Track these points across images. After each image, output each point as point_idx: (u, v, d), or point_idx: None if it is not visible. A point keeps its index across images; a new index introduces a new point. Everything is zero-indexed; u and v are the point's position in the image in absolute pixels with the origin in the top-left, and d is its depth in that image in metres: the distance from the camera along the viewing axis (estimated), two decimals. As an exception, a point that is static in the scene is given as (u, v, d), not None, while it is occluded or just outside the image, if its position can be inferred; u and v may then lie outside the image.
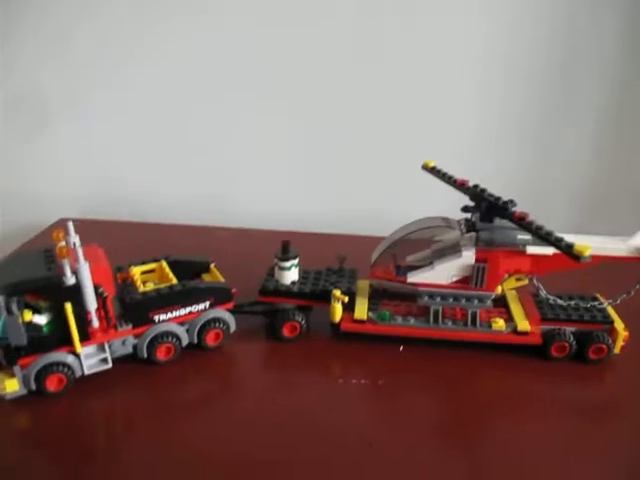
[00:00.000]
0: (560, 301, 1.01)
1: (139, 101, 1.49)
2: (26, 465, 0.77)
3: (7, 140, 1.54)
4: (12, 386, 0.85)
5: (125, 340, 0.92)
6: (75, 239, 0.87)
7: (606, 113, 1.41)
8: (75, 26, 1.41)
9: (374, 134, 1.46)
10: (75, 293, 0.84)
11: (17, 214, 1.60)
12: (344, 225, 1.48)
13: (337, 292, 0.98)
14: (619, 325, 0.98)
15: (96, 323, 0.87)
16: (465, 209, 0.98)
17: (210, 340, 0.98)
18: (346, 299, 0.98)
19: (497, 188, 0.96)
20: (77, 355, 0.88)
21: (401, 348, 1.00)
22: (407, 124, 1.44)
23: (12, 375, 0.85)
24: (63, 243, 0.85)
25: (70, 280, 0.83)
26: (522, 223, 0.88)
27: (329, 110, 1.45)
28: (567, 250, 0.81)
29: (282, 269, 1.02)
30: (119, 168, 1.56)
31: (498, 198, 0.93)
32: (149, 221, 1.55)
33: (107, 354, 0.90)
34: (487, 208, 0.94)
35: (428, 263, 0.98)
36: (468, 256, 0.95)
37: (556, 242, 0.83)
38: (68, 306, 0.84)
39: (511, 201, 0.91)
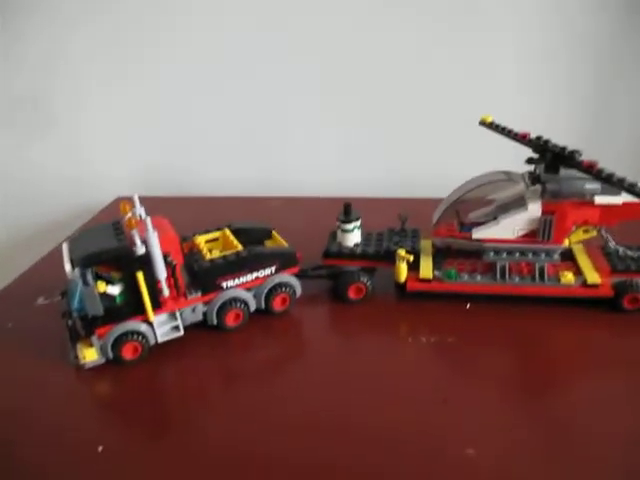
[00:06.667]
0: (630, 252, 0.99)
1: (195, 90, 1.51)
2: (106, 429, 0.80)
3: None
4: (91, 355, 0.88)
5: (195, 307, 0.93)
6: (141, 210, 0.89)
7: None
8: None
9: (428, 95, 1.44)
10: (145, 262, 0.85)
11: (76, 195, 1.64)
12: (403, 189, 1.48)
13: (402, 251, 0.97)
14: None
15: (166, 292, 0.89)
16: (530, 161, 0.95)
17: (277, 305, 0.99)
18: (411, 258, 0.97)
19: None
20: (150, 324, 0.89)
21: (468, 305, 0.99)
22: (462, 82, 1.41)
23: (91, 345, 0.88)
24: (130, 215, 0.87)
25: (140, 250, 0.84)
26: (591, 171, 0.85)
27: (383, 73, 1.44)
28: (643, 195, 0.79)
29: (345, 231, 1.02)
30: (171, 149, 1.58)
31: (564, 148, 0.90)
32: (204, 195, 1.57)
33: (179, 322, 0.92)
34: (552, 158, 0.92)
35: (492, 218, 0.96)
36: (534, 209, 0.93)
37: (630, 188, 0.81)
38: (139, 275, 0.85)
39: (577, 151, 0.88)
